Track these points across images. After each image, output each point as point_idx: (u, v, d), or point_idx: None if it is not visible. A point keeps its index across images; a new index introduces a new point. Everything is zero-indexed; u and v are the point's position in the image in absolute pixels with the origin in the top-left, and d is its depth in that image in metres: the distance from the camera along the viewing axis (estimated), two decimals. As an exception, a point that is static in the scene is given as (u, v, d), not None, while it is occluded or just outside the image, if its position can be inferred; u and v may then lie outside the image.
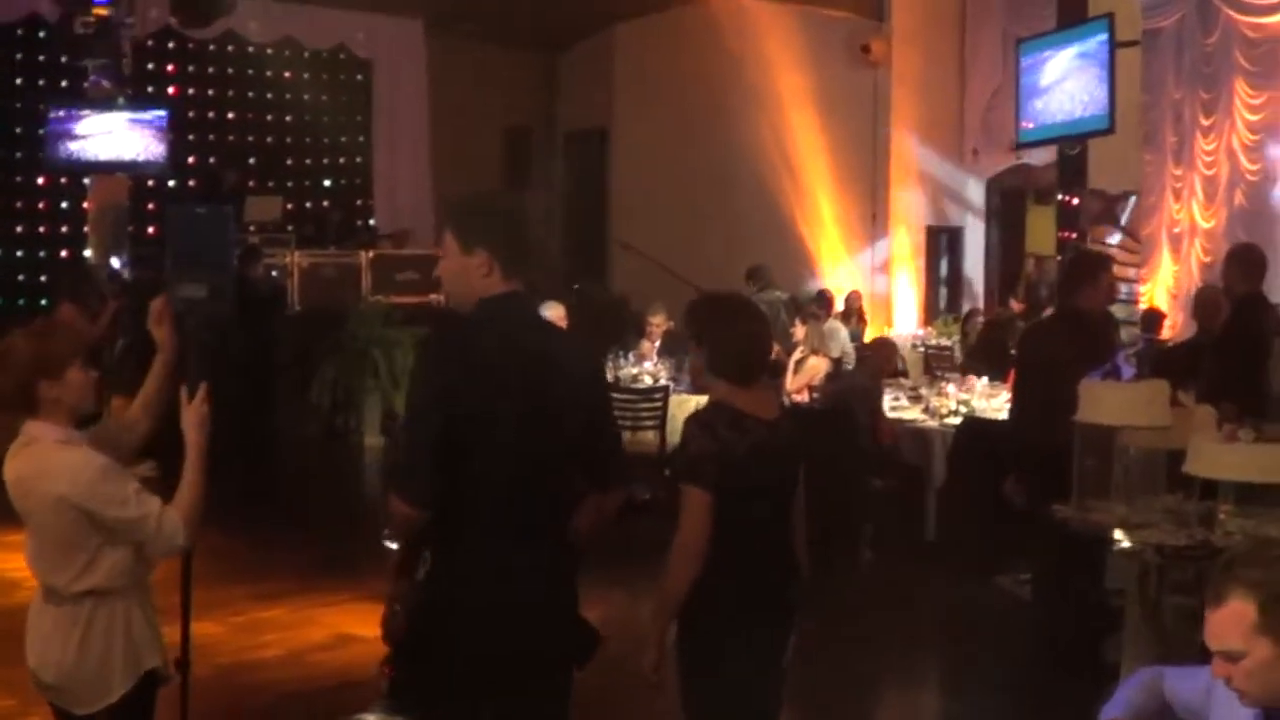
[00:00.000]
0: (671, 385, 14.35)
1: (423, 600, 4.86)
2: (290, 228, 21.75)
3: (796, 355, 15.03)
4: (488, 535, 4.78)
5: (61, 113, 18.86)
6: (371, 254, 21.21)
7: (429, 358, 4.97)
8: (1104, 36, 12.83)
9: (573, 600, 5.05)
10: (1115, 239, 13.84)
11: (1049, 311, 12.20)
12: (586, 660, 5.07)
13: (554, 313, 15.47)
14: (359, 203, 24.03)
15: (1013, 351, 12.34)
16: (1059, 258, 15.51)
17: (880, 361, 13.59)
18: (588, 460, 5.11)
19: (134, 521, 5.12)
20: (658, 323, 16.42)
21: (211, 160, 22.33)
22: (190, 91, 22.55)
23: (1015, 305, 20.86)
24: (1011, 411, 10.18)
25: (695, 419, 5.49)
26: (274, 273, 19.06)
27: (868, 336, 19.88)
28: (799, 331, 15.59)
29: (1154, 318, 17.75)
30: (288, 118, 23.73)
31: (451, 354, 4.87)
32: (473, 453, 4.73)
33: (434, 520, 4.80)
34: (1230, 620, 3.77)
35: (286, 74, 23.59)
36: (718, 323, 5.62)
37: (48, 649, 5.21)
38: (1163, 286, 21.86)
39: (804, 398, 13.85)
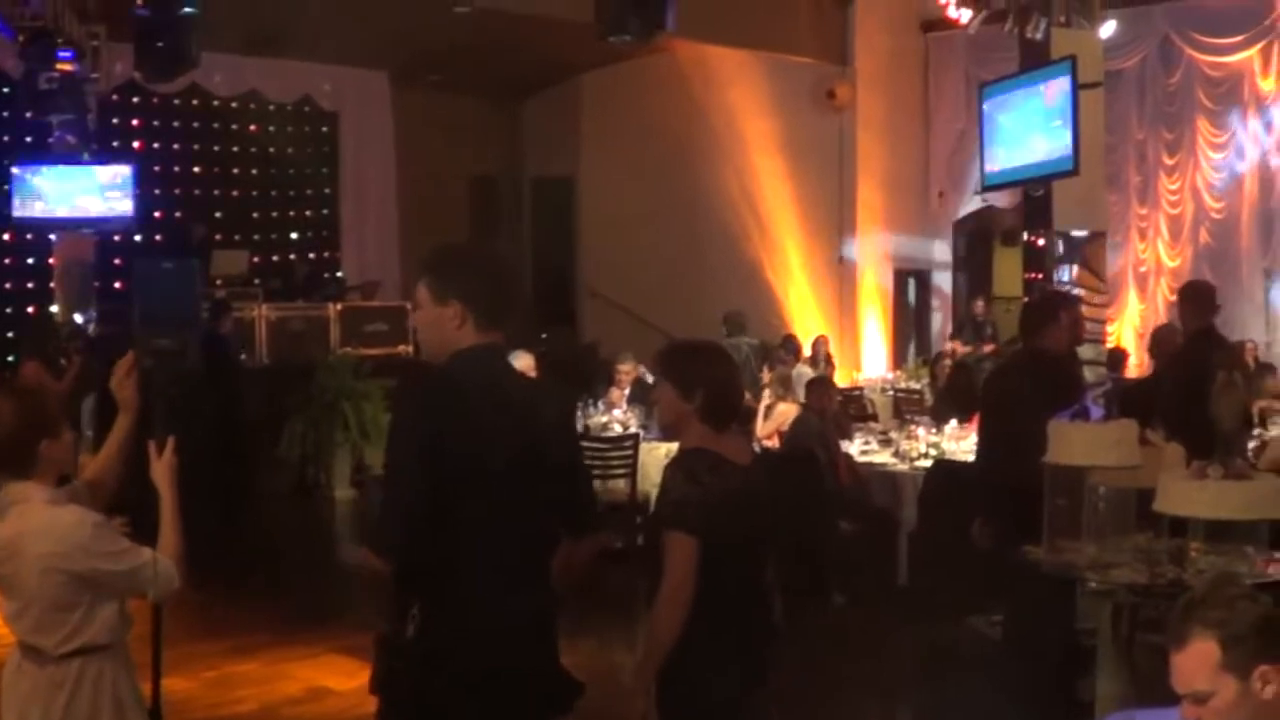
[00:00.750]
0: (641, 433, 14.34)
1: (415, 652, 4.80)
2: (257, 281, 21.68)
3: (765, 401, 15.04)
4: (477, 586, 4.78)
5: (26, 168, 18.83)
6: (339, 306, 21.15)
7: (412, 409, 4.95)
8: (1067, 79, 12.86)
9: (555, 649, 5.06)
10: (1081, 279, 13.87)
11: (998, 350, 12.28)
12: (568, 709, 5.07)
13: (523, 362, 15.48)
14: (326, 255, 24.02)
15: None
16: (1025, 299, 15.55)
17: (821, 401, 13.58)
18: (564, 508, 5.12)
19: (134, 571, 5.12)
20: (626, 370, 16.41)
21: (178, 215, 22.28)
22: (155, 146, 22.51)
23: (987, 347, 20.92)
24: (977, 453, 10.20)
25: (676, 464, 5.49)
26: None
27: (838, 381, 19.89)
28: (766, 377, 15.62)
29: (1118, 356, 17.83)
30: (254, 170, 23.73)
31: (436, 405, 4.86)
32: (461, 504, 4.74)
33: (423, 572, 4.79)
34: (1195, 661, 3.80)
35: (252, 127, 23.59)
36: (704, 368, 5.64)
37: (28, 713, 5.13)
38: (1129, 325, 21.96)
39: (774, 443, 13.85)
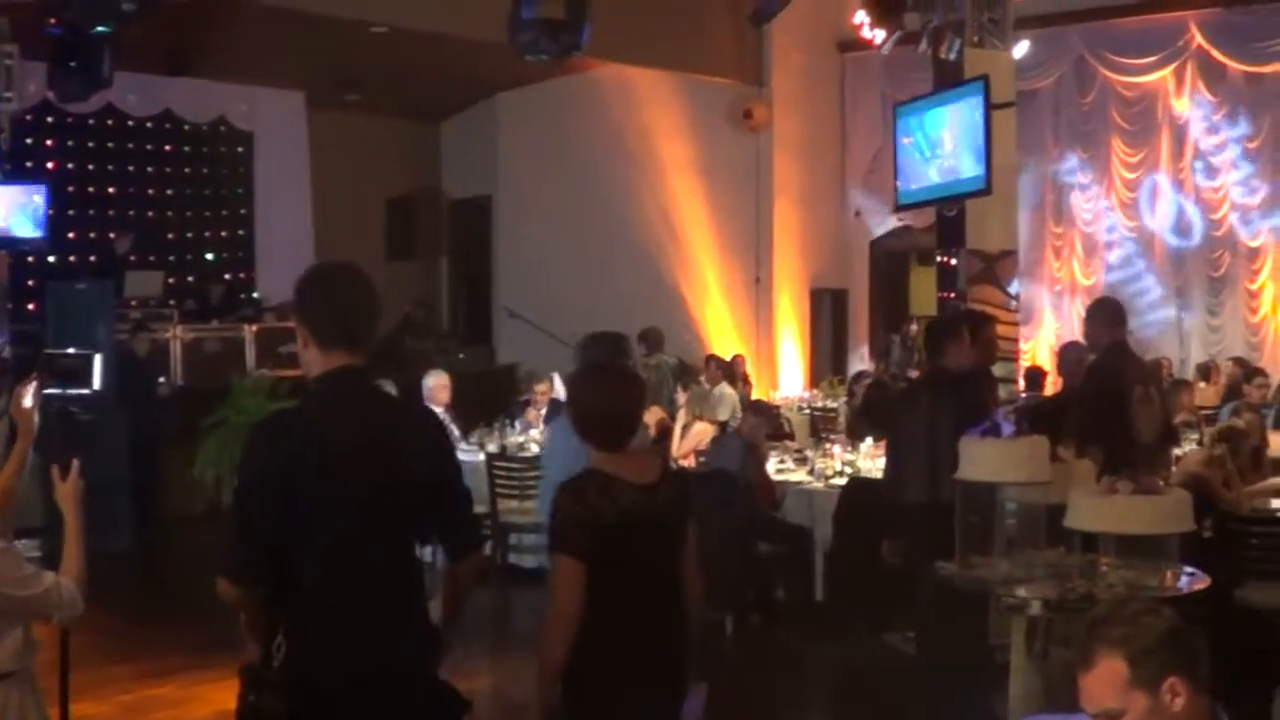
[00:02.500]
0: (558, 453, 14.34)
1: (278, 683, 4.74)
2: (172, 302, 21.57)
3: (681, 420, 15.07)
4: (336, 615, 4.73)
5: (-61, 189, 18.68)
6: (255, 327, 21.04)
7: (258, 441, 4.88)
8: (979, 99, 12.93)
9: (432, 670, 4.99)
10: (994, 298, 13.94)
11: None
12: None
13: (437, 381, 15.49)
14: (242, 275, 23.89)
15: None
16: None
17: (755, 431, 13.56)
18: (439, 532, 5.09)
19: (40, 596, 5.06)
20: (542, 391, 16.43)
21: (92, 235, 22.16)
22: (70, 166, 22.38)
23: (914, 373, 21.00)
24: (885, 471, 10.25)
25: (565, 486, 5.49)
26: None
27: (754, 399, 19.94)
28: (681, 397, 15.64)
29: (1036, 375, 17.92)
30: (169, 191, 23.60)
31: (281, 437, 4.83)
32: (315, 533, 4.70)
33: (286, 601, 4.76)
34: (1103, 680, 3.82)
35: (167, 147, 23.48)
36: (581, 391, 5.65)
37: None
38: (1045, 344, 22.09)
39: (690, 463, 13.87)
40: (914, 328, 21.87)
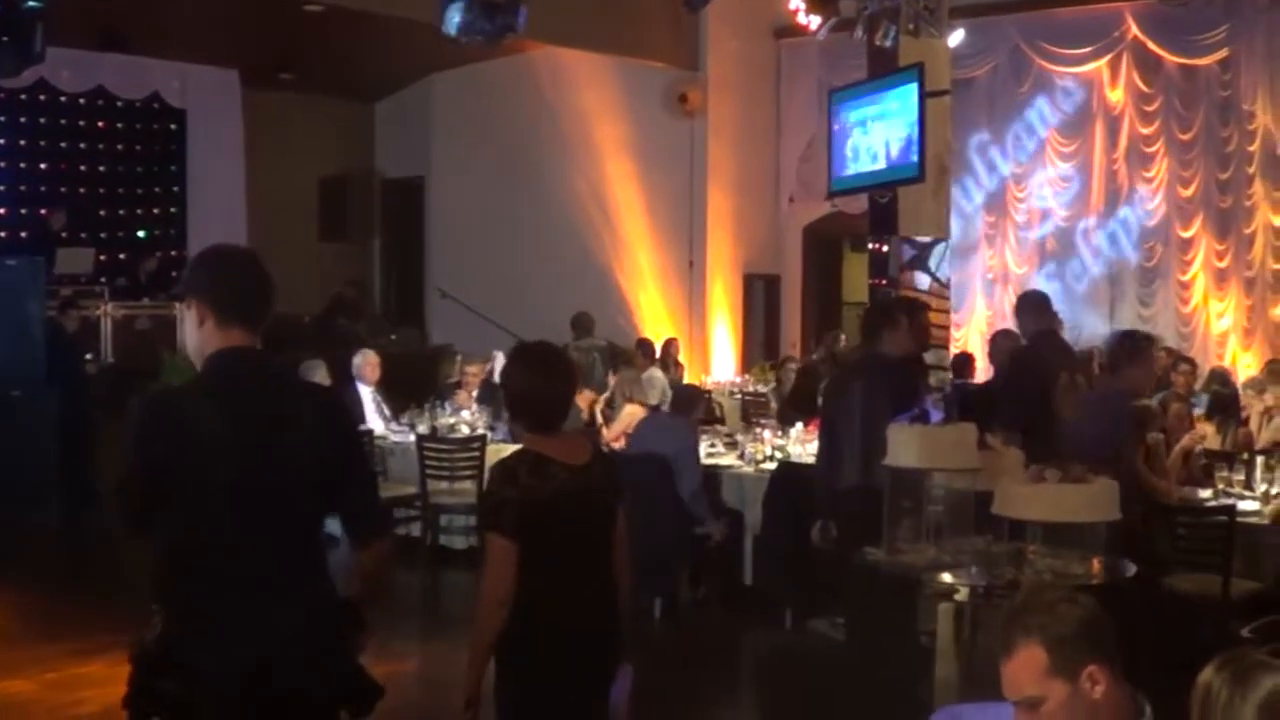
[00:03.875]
0: (489, 434, 14.34)
1: (153, 663, 4.71)
2: (103, 279, 21.44)
3: (604, 403, 15.10)
4: (216, 595, 4.68)
5: None
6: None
7: (137, 422, 4.83)
8: (914, 86, 12.99)
9: (340, 653, 4.93)
10: (925, 285, 14.00)
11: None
12: (365, 711, 4.98)
13: (365, 359, 15.47)
14: (174, 253, 23.72)
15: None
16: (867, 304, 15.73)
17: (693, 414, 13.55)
18: (341, 519, 5.05)
19: None
20: (474, 372, 16.41)
21: (23, 211, 22.00)
22: (1, 141, 22.22)
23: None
24: (818, 456, 10.27)
25: (498, 466, 5.53)
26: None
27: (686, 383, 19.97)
28: (611, 380, 15.66)
29: (964, 361, 17.99)
30: (101, 168, 23.44)
31: (159, 419, 4.80)
32: (192, 514, 4.67)
33: (164, 581, 4.75)
34: (1023, 668, 3.86)
35: (99, 123, 23.32)
36: (514, 372, 5.66)
37: None
38: (976, 331, 22.18)
39: (621, 444, 13.88)
40: (843, 339, 21.93)
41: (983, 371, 18.11)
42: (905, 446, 7.80)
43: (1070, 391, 9.98)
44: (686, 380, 20.10)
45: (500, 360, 16.06)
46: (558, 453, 5.52)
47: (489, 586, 5.40)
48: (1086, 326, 20.80)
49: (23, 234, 21.79)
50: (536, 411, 5.59)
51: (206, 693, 4.61)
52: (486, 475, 5.76)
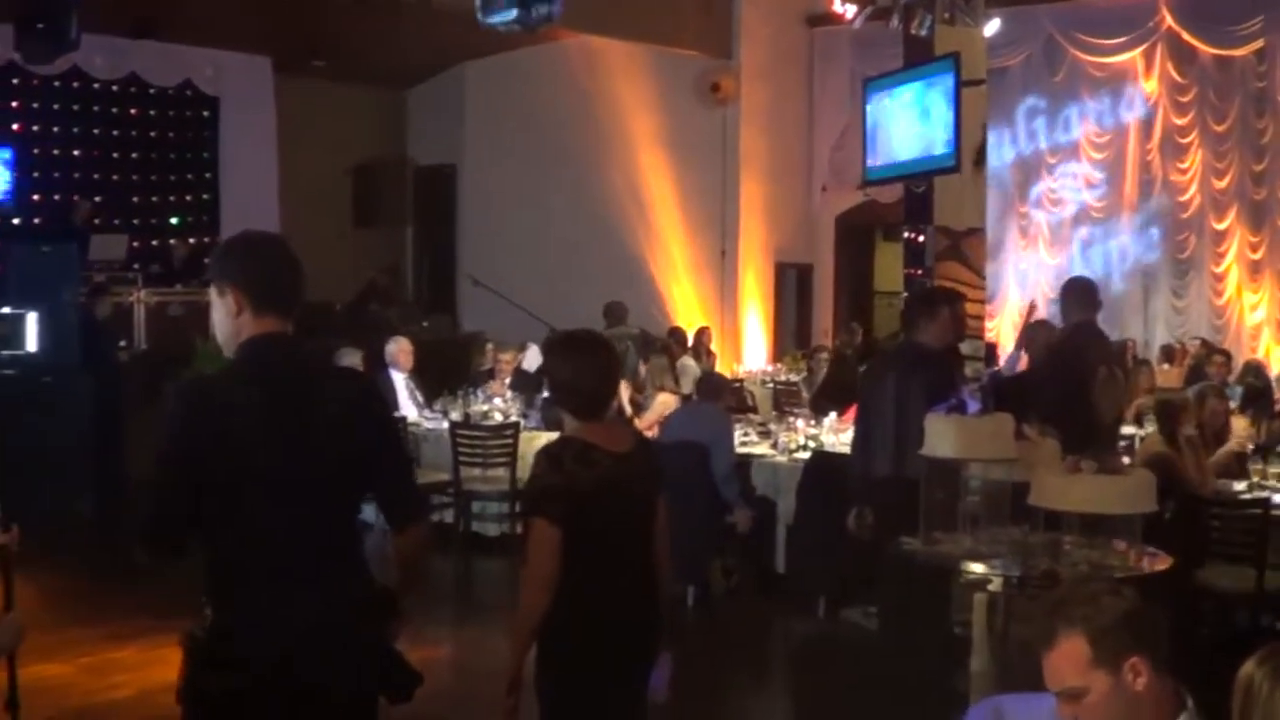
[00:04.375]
0: (522, 422, 14.34)
1: (202, 654, 4.69)
2: (136, 266, 21.47)
3: (633, 393, 15.07)
4: (259, 586, 4.68)
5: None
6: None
7: (174, 408, 4.80)
8: (950, 76, 12.95)
9: (378, 641, 4.93)
10: (959, 276, 13.96)
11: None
12: (403, 698, 4.98)
13: (399, 346, 15.48)
14: (206, 240, 23.73)
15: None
16: (905, 294, 15.67)
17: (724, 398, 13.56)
18: (378, 504, 5.04)
19: None
20: (506, 360, 16.44)
21: (56, 198, 22.03)
22: (35, 128, 22.22)
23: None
24: (853, 445, 10.23)
25: (544, 452, 5.50)
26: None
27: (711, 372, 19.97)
28: (644, 369, 15.65)
29: (988, 351, 17.97)
30: (134, 154, 23.45)
31: (194, 407, 4.77)
32: (231, 503, 4.65)
33: (211, 572, 4.73)
34: (1065, 660, 3.84)
35: (132, 110, 23.34)
36: (560, 360, 5.64)
37: None
38: (1009, 321, 22.14)
39: (654, 433, 13.87)
40: (859, 333, 21.88)
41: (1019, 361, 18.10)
42: (942, 436, 7.78)
43: (1110, 384, 9.94)
44: (719, 369, 20.07)
45: (533, 351, 16.06)
46: (602, 440, 5.51)
47: (533, 572, 5.40)
48: (1119, 318, 20.75)
49: (55, 221, 21.81)
50: (583, 399, 5.57)
51: (254, 682, 4.60)
52: (530, 462, 5.72)
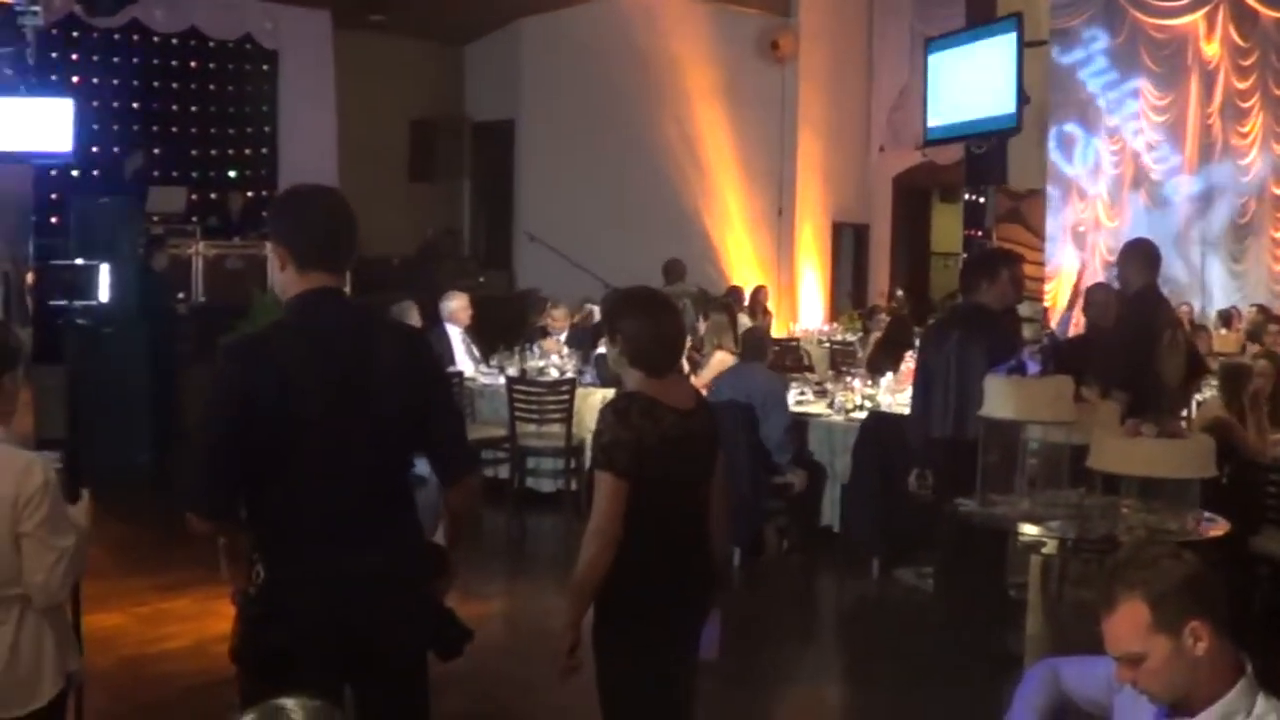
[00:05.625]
0: (578, 378, 14.35)
1: (255, 612, 4.74)
2: (194, 219, 21.53)
3: (691, 350, 15.06)
4: (310, 539, 4.71)
5: (-37, 103, 18.61)
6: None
7: (222, 364, 4.85)
8: (1012, 36, 12.86)
9: (429, 595, 4.97)
10: (1019, 237, 13.90)
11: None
12: (454, 654, 5.02)
13: (457, 302, 15.50)
14: (264, 193, 23.77)
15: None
16: (964, 255, 15.61)
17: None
18: (428, 457, 5.04)
19: (52, 551, 4.95)
20: (558, 317, 16.46)
21: (116, 150, 22.07)
22: (94, 81, 22.22)
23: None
24: (912, 406, 10.20)
25: (611, 407, 5.49)
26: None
27: (775, 332, 19.96)
28: (702, 327, 15.63)
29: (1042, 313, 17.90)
30: (193, 108, 23.47)
31: (245, 360, 4.80)
32: (281, 459, 4.67)
33: (260, 528, 4.76)
34: (1125, 624, 3.83)
35: (192, 64, 23.37)
36: (630, 315, 5.62)
37: None
38: (1066, 284, 22.07)
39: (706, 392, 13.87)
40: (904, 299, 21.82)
41: (1074, 326, 18.03)
42: (1002, 398, 7.76)
43: (1174, 349, 9.87)
44: (774, 328, 20.07)
45: (594, 312, 16.05)
46: (666, 396, 5.50)
47: (600, 526, 5.37)
48: (1177, 282, 20.67)
49: (114, 174, 21.87)
50: (653, 355, 5.56)
51: (306, 639, 4.64)
52: (585, 418, 5.74)
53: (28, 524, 4.88)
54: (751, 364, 12.75)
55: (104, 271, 15.65)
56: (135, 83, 22.68)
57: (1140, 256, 10.82)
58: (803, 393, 13.99)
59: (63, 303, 15.50)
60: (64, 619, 5.26)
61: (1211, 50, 20.95)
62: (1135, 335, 10.28)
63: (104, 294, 15.58)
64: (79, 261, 15.88)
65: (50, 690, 5.09)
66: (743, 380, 12.38)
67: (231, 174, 23.84)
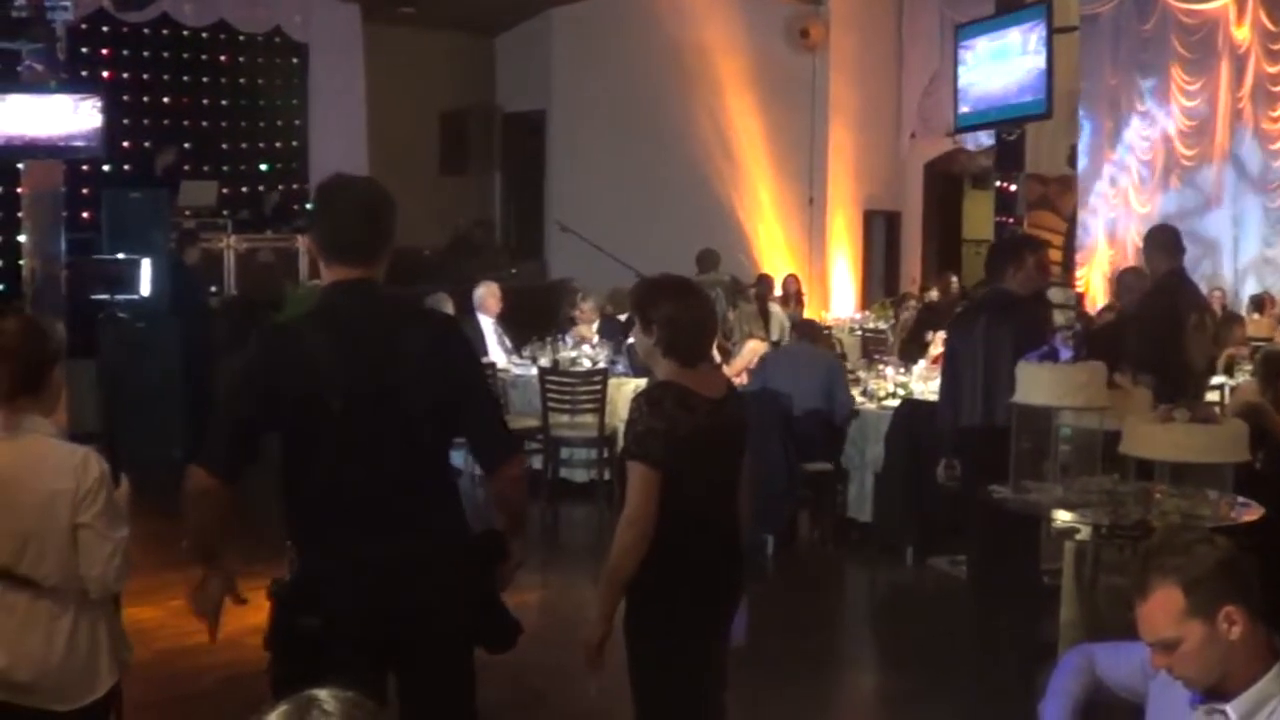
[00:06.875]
0: (610, 368, 14.36)
1: (289, 600, 4.78)
2: (226, 212, 21.58)
3: (721, 339, 15.06)
4: (343, 530, 4.72)
5: (-6, 97, 18.65)
6: (308, 238, 21.02)
7: (253, 349, 4.90)
8: (1042, 22, 12.84)
9: (467, 588, 4.95)
10: (1049, 223, 13.88)
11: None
12: (504, 648, 5.04)
13: (487, 290, 15.51)
14: (295, 187, 23.82)
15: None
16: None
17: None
18: (468, 446, 5.05)
19: (109, 543, 5.03)
20: (588, 309, 16.46)
21: (147, 145, 22.10)
22: (125, 75, 22.27)
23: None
24: (941, 393, 10.18)
25: (644, 396, 5.50)
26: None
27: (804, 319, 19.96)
28: (731, 316, 15.64)
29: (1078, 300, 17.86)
30: (223, 101, 23.51)
31: (274, 347, 4.86)
32: (309, 446, 4.71)
33: (294, 518, 4.81)
34: (1159, 609, 3.83)
35: (221, 57, 23.40)
36: (664, 304, 5.62)
37: (22, 644, 4.98)
38: (1099, 270, 22.02)
39: (743, 380, 13.86)
40: (935, 294, 21.77)
41: (1109, 309, 17.98)
42: (1034, 384, 7.74)
43: (1200, 332, 9.85)
44: (806, 316, 20.05)
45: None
46: (699, 386, 5.51)
47: (632, 514, 5.37)
48: (1208, 267, 20.60)
49: (145, 168, 21.91)
50: (686, 345, 5.56)
51: (340, 629, 4.65)
52: (617, 408, 5.75)
53: (86, 515, 4.95)
54: (806, 346, 12.80)
55: (145, 266, 15.68)
56: (165, 77, 22.73)
57: (1160, 242, 10.86)
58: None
59: (104, 297, 15.52)
60: (117, 612, 5.30)
61: (1242, 35, 20.83)
62: (1159, 319, 10.28)
63: (145, 288, 15.62)
64: (120, 256, 15.91)
65: (108, 681, 5.16)
66: (796, 360, 12.43)
67: (262, 167, 23.88)
